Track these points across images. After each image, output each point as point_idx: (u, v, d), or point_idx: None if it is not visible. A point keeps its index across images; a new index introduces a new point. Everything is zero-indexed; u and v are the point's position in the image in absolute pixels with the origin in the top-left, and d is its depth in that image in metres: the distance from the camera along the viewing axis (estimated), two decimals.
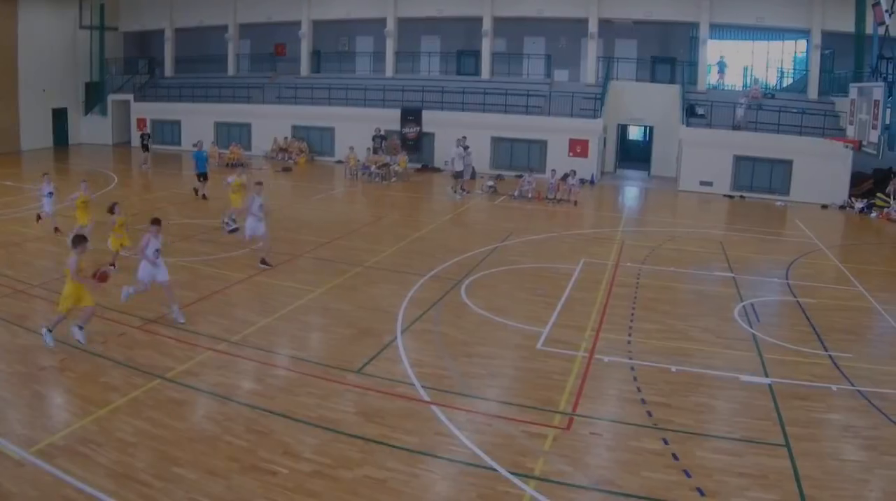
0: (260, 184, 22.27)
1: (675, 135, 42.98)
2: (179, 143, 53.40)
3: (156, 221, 16.92)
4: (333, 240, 24.69)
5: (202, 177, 33.01)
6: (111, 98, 56.64)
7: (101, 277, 15.05)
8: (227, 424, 11.94)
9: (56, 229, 24.28)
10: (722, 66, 45.75)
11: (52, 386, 13.33)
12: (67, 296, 14.64)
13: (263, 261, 21.34)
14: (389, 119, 46.20)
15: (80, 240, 14.98)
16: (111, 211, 19.93)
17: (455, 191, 36.11)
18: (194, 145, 34.46)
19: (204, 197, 32.22)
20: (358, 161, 41.96)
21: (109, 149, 54.59)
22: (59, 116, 55.06)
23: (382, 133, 44.79)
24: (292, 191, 36.69)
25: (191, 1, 55.97)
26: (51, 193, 24.29)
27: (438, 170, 44.56)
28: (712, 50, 47.17)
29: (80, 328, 14.62)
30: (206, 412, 12.50)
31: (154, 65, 59.64)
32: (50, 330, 14.69)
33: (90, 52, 55.89)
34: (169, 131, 54.72)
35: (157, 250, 16.59)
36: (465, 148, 37.32)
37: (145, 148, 43.05)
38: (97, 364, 14.16)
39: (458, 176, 36.38)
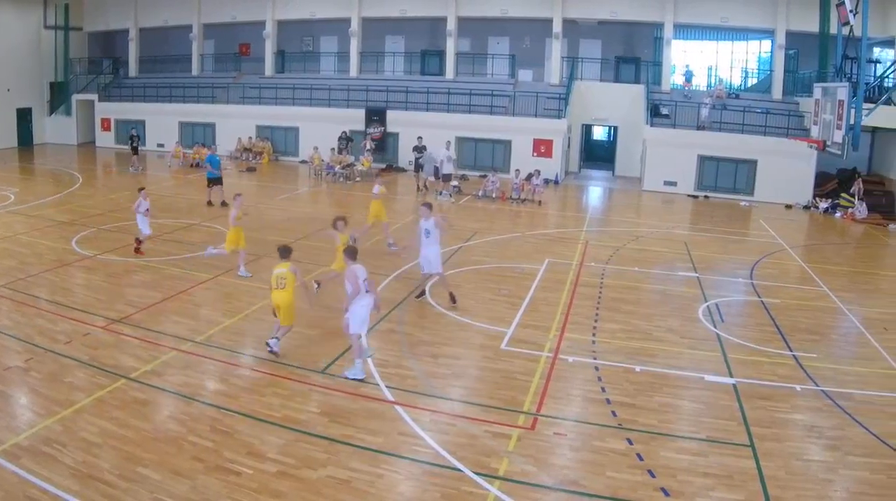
0: (428, 206, 19.40)
1: (640, 134, 43.21)
2: (144, 143, 52.41)
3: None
4: (297, 240, 24.51)
5: (215, 182, 31.63)
6: (76, 98, 56.25)
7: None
8: (192, 424, 11.94)
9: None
10: (689, 76, 45.90)
11: (17, 387, 13.20)
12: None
13: (452, 298, 18.71)
14: (354, 119, 46.06)
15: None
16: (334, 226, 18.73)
17: (445, 194, 36.04)
18: (208, 147, 33.36)
19: (224, 204, 30.70)
20: (322, 161, 41.83)
21: (74, 148, 54.15)
22: (24, 116, 54.77)
23: (349, 135, 44.69)
24: (257, 190, 36.50)
25: (155, 1, 55.67)
26: (148, 210, 22.72)
27: (403, 170, 44.46)
28: (677, 50, 47.52)
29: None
30: (170, 412, 12.47)
31: (118, 65, 59.26)
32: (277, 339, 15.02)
33: (55, 52, 55.73)
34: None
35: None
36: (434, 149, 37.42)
37: (134, 150, 42.40)
38: (62, 364, 14.08)
39: (446, 178, 36.31)
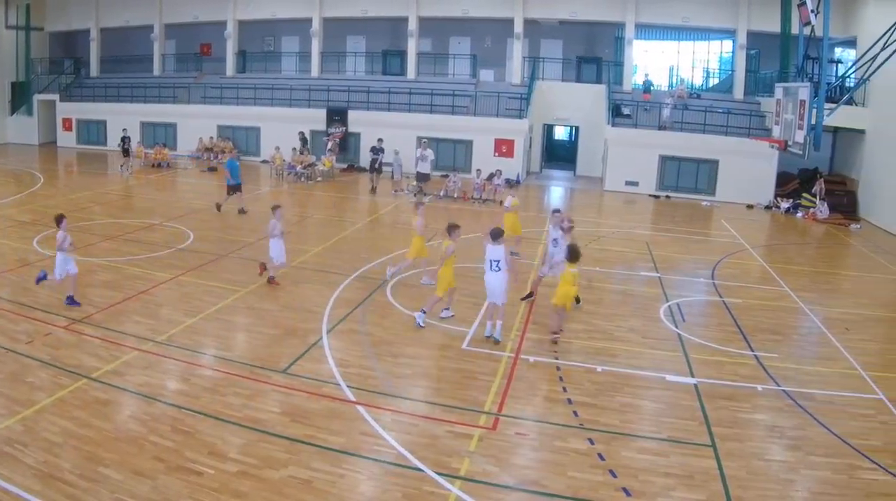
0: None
1: (601, 135, 43.50)
2: (105, 143, 52.73)
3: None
4: (259, 240, 24.40)
5: (234, 189, 30.46)
6: (37, 98, 55.90)
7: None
8: (153, 424, 11.92)
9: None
10: (648, 86, 46.08)
11: None
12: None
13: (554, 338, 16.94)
14: (315, 119, 46.07)
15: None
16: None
17: (416, 194, 35.96)
18: (230, 151, 32.60)
19: (242, 211, 30.10)
20: (284, 161, 41.61)
21: (35, 148, 53.88)
22: None
23: (305, 136, 44.64)
24: (218, 190, 36.30)
25: (116, 1, 55.47)
26: (282, 233, 20.42)
27: (364, 169, 44.30)
28: (638, 50, 47.86)
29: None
30: (131, 412, 12.43)
31: (80, 65, 58.93)
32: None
33: (16, 52, 55.63)
34: (95, 131, 53.93)
35: None
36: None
37: (125, 152, 41.66)
38: (23, 364, 14.02)
39: (421, 178, 36.21)
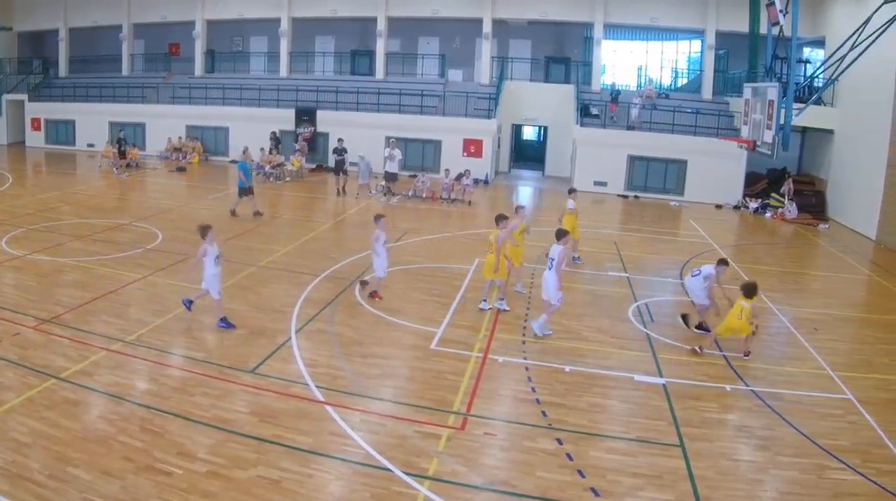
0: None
1: (570, 135, 43.64)
2: (73, 143, 52.84)
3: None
4: (228, 240, 24.38)
5: (245, 192, 30.01)
6: (5, 98, 55.59)
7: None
8: (122, 424, 11.87)
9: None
10: (615, 93, 46.03)
11: None
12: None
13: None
14: (284, 119, 46.03)
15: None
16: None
17: (386, 194, 35.94)
18: (243, 153, 31.98)
19: (257, 214, 29.72)
20: (252, 161, 41.28)
21: (4, 148, 53.42)
22: None
23: (277, 135, 44.54)
24: (187, 190, 36.07)
25: (85, 1, 55.37)
26: (386, 242, 19.16)
27: (331, 169, 44.22)
28: (607, 50, 48.09)
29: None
30: (100, 412, 12.37)
31: (48, 65, 58.75)
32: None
33: None
34: (64, 131, 53.75)
35: None
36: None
37: (122, 154, 41.22)
38: None
39: (390, 178, 36.12)
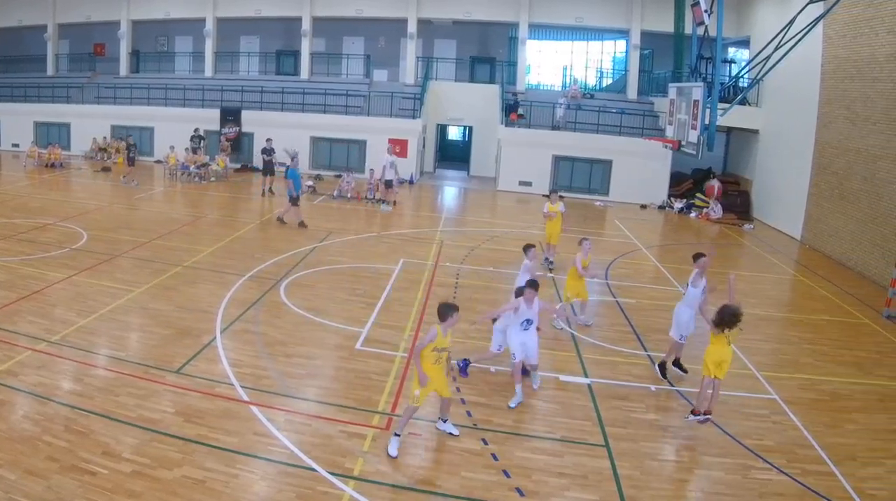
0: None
1: (495, 135, 43.85)
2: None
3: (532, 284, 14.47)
4: (152, 240, 24.27)
5: (295, 201, 28.97)
6: None
7: None
8: (47, 424, 11.80)
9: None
10: (514, 105, 45.98)
11: None
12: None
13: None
14: (209, 119, 45.48)
15: None
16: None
17: (384, 203, 35.48)
18: (292, 158, 30.67)
19: (302, 224, 28.56)
20: (177, 161, 40.92)
21: None
22: None
23: (201, 133, 44.11)
24: (112, 190, 35.55)
25: (8, 0, 54.12)
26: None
27: (258, 170, 43.90)
28: (532, 50, 48.45)
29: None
30: (25, 412, 12.28)
31: None
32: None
33: None
34: None
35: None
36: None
37: (131, 161, 39.19)
38: None
39: (388, 184, 35.76)
